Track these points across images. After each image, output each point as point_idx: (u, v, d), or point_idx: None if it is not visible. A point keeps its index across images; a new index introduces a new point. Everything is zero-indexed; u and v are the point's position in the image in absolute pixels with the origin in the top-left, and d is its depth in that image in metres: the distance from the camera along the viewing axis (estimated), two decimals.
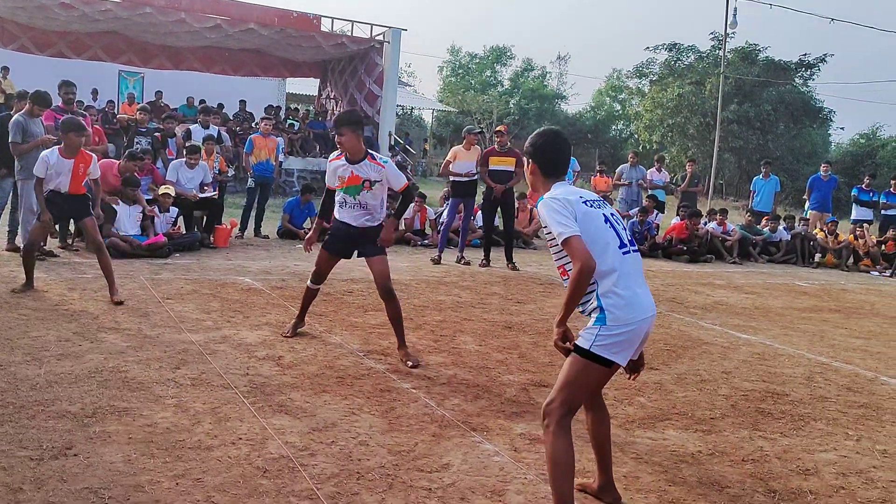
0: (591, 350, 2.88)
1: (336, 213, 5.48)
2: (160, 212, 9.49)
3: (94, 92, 19.03)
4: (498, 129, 10.60)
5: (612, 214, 3.05)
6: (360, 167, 5.30)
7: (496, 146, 10.19)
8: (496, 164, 9.99)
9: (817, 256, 13.88)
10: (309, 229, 11.52)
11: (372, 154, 5.42)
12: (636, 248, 3.09)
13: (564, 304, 2.87)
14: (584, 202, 2.98)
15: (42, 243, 6.62)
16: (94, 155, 6.75)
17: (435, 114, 41.55)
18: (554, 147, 3.16)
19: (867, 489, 3.63)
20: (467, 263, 10.18)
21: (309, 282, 5.70)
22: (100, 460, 3.29)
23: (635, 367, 3.16)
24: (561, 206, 2.90)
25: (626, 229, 3.10)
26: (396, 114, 24.17)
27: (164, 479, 3.16)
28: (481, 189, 10.70)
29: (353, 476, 3.35)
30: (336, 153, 5.45)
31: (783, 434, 4.32)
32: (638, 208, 13.65)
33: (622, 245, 2.97)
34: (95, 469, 3.20)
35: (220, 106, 18.06)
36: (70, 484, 3.05)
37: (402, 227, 12.14)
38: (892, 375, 5.83)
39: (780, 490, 3.54)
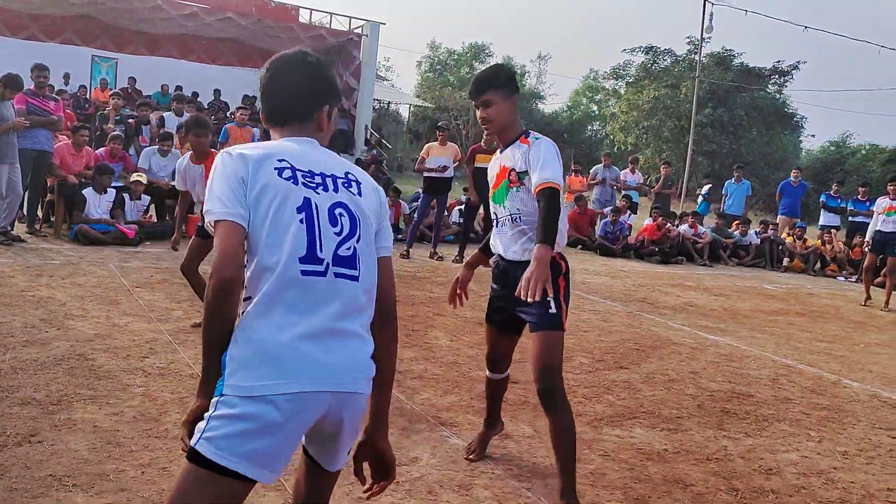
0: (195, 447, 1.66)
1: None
2: (131, 199, 9.39)
3: (66, 76, 18.69)
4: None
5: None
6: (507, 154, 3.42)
7: (483, 144, 10.18)
8: (482, 161, 9.95)
9: (785, 261, 14.09)
10: None
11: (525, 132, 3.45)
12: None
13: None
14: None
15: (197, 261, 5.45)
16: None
17: (412, 109, 41.47)
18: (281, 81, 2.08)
19: (827, 489, 3.70)
20: (440, 259, 10.19)
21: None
22: (65, 448, 3.26)
23: (375, 467, 1.98)
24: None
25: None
26: (373, 108, 24.07)
27: (130, 468, 3.14)
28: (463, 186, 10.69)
29: None
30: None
31: (747, 434, 4.38)
32: (611, 208, 13.74)
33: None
34: (60, 457, 3.17)
35: (195, 95, 17.86)
36: (34, 471, 3.02)
37: None
38: (854, 379, 5.94)
39: (743, 489, 3.60)
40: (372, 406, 1.92)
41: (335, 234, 1.80)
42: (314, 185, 1.82)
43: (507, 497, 3.28)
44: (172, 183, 9.92)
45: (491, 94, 3.33)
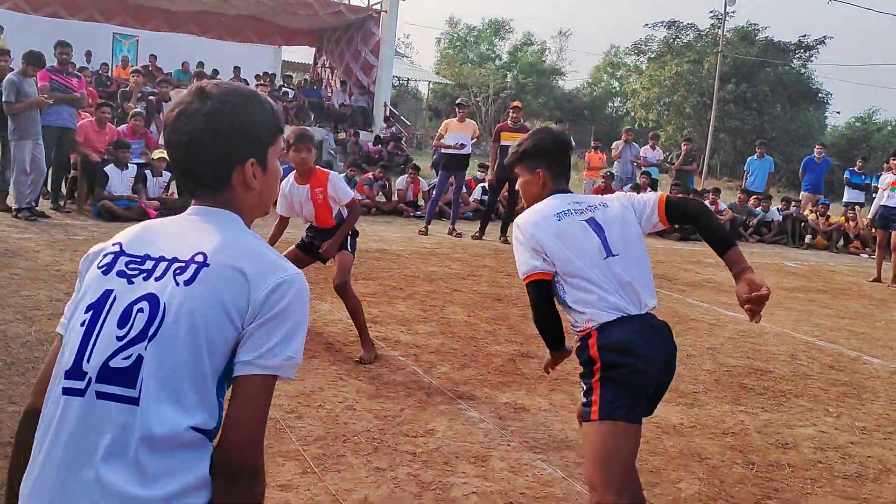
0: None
1: None
2: (153, 175, 9.47)
3: (88, 54, 18.83)
4: (514, 104, 10.53)
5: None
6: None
7: (509, 122, 10.13)
8: (507, 139, 9.89)
9: (808, 238, 13.95)
10: None
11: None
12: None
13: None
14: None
15: None
16: (332, 173, 4.95)
17: (431, 86, 41.31)
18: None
19: (844, 464, 3.70)
20: (459, 235, 10.21)
21: None
22: None
23: None
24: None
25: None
26: (392, 85, 24.01)
27: None
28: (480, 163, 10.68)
29: (340, 439, 3.40)
30: None
31: (764, 409, 4.38)
32: (630, 185, 13.65)
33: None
34: None
35: (215, 72, 17.92)
36: None
37: (395, 198, 12.16)
38: (875, 355, 5.91)
39: (759, 463, 3.61)
40: None
41: (117, 338, 1.30)
42: (135, 272, 1.36)
43: (523, 468, 3.31)
44: None
45: None
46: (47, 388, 1.34)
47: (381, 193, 12.30)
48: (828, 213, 14.18)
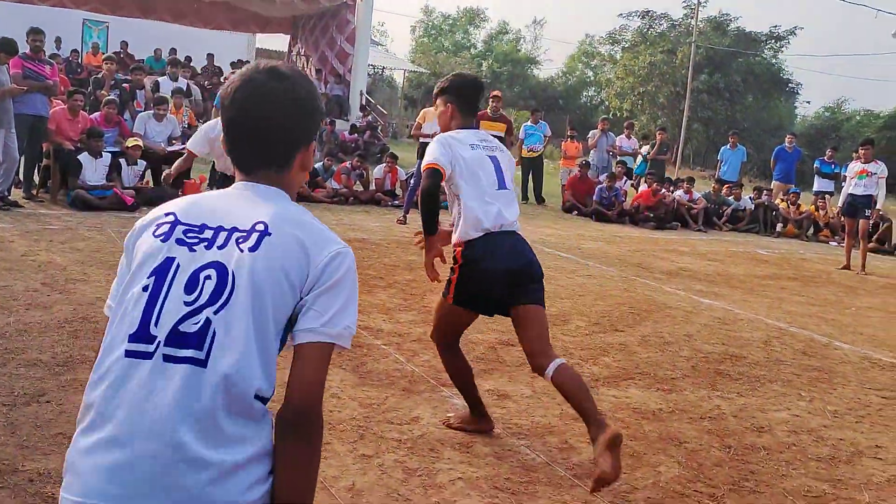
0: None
1: None
2: (128, 164, 9.38)
3: (58, 40, 18.53)
4: (494, 93, 10.55)
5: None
6: None
7: (489, 111, 10.15)
8: (487, 128, 9.93)
9: (779, 226, 14.17)
10: None
11: None
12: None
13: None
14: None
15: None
16: None
17: (407, 74, 41.18)
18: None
19: (817, 446, 3.80)
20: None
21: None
22: (73, 407, 3.32)
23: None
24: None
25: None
26: (367, 73, 23.90)
27: None
28: None
29: (325, 427, 3.41)
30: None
31: (740, 394, 4.48)
32: (606, 174, 13.77)
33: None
34: (69, 416, 3.23)
35: (188, 59, 17.74)
36: (44, 429, 3.09)
37: (372, 187, 12.14)
38: (845, 341, 6.04)
39: (735, 446, 3.70)
40: None
41: (185, 303, 1.33)
42: (195, 241, 1.38)
43: (507, 454, 3.37)
44: (169, 148, 9.96)
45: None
46: (100, 356, 1.36)
47: (358, 183, 12.27)
48: (798, 201, 14.41)
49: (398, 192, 12.32)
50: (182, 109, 10.81)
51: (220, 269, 1.34)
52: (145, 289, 1.35)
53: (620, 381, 4.51)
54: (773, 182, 15.41)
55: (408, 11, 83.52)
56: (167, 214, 1.43)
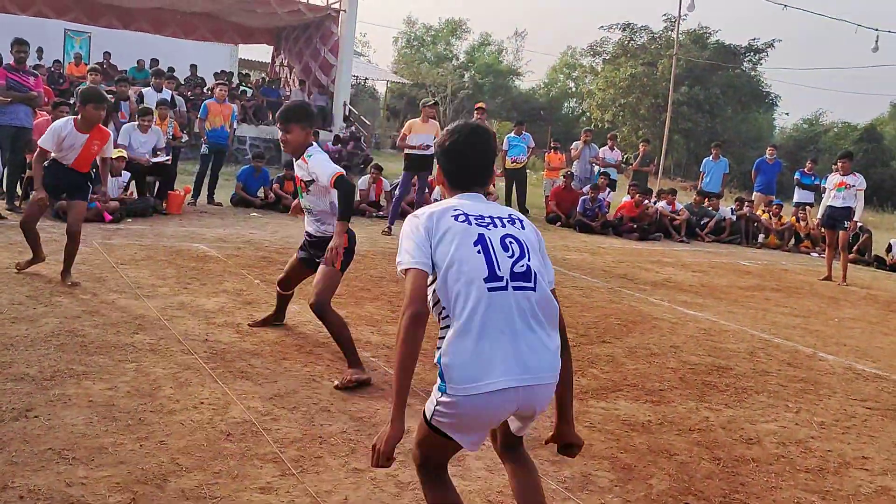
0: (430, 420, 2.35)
1: None
2: (112, 175, 9.30)
3: (40, 51, 18.42)
4: (478, 105, 10.61)
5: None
6: (297, 166, 4.53)
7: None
8: None
9: (761, 237, 14.30)
10: (263, 199, 11.45)
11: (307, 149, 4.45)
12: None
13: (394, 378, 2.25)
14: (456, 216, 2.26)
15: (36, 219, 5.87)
16: (111, 133, 6.05)
17: (389, 85, 41.23)
18: (464, 149, 2.40)
19: (805, 458, 3.84)
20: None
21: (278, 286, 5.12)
22: (61, 423, 3.29)
23: (565, 449, 2.48)
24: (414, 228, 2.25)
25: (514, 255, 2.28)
26: (350, 84, 23.88)
27: (128, 442, 3.18)
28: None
29: (316, 440, 3.42)
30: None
31: (727, 405, 4.51)
32: (590, 185, 13.85)
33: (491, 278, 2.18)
34: (58, 431, 3.20)
35: (171, 70, 17.65)
36: (33, 445, 3.05)
37: (357, 198, 12.11)
38: (829, 352, 6.10)
39: (725, 458, 3.72)
40: (558, 400, 2.36)
41: (508, 257, 2.22)
42: (485, 224, 2.26)
43: (499, 467, 3.35)
44: (153, 160, 9.91)
45: (292, 126, 4.39)
46: (455, 294, 2.14)
47: None
48: (780, 213, 14.56)
49: (383, 202, 12.33)
50: (167, 120, 10.75)
51: (513, 237, 2.27)
52: (479, 252, 2.19)
53: (609, 392, 4.53)
54: (755, 193, 15.55)
55: (390, 23, 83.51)
56: (455, 209, 2.28)
